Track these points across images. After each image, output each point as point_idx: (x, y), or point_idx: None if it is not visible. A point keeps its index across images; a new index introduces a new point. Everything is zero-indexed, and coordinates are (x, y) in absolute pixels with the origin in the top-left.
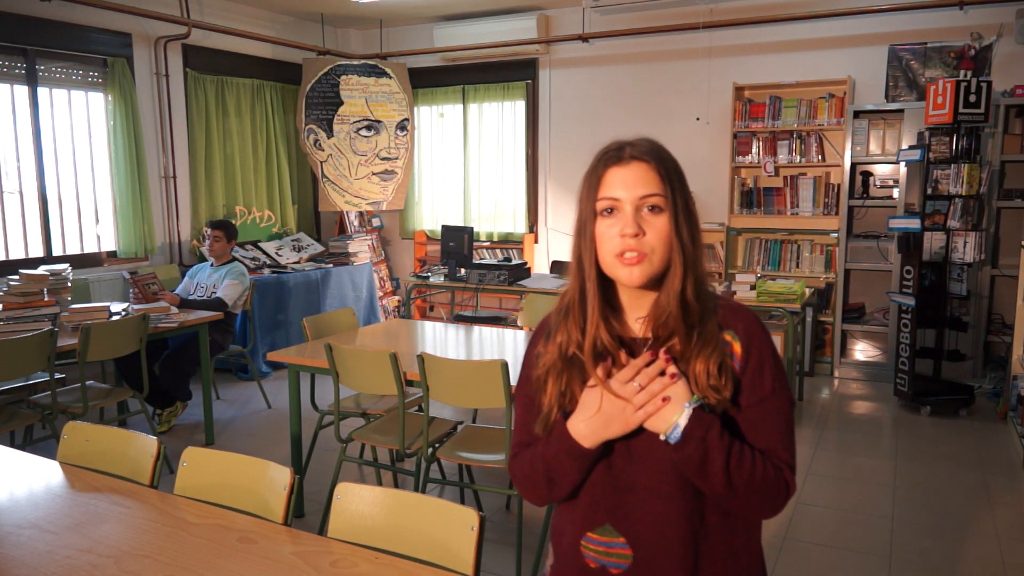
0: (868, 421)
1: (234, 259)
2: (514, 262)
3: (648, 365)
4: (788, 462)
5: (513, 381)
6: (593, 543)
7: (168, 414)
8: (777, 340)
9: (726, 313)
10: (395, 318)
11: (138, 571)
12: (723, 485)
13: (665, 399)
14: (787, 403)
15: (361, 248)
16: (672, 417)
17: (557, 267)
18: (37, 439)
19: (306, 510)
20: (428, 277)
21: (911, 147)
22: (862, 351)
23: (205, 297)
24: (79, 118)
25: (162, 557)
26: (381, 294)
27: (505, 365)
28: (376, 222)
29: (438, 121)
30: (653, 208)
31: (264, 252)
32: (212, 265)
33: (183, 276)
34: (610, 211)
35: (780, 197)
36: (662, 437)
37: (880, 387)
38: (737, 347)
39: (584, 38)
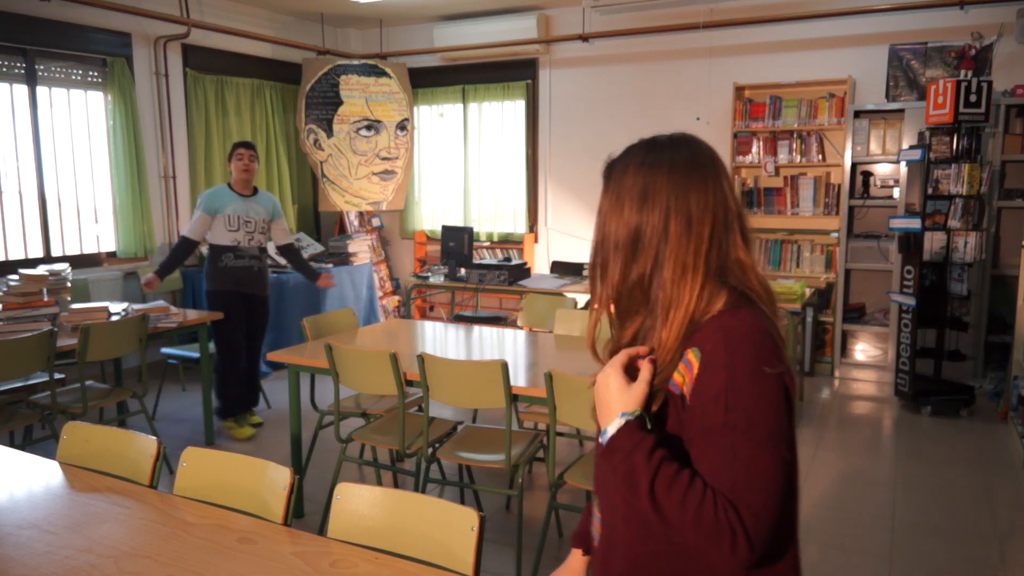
0: (868, 421)
1: (255, 188)
2: (514, 262)
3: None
4: (748, 503)
5: (513, 381)
6: (596, 516)
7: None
8: None
9: (708, 329)
10: (395, 318)
11: (138, 571)
12: (650, 509)
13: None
14: (749, 442)
15: (361, 248)
16: (612, 418)
17: (557, 267)
18: (37, 439)
19: (306, 510)
20: (428, 277)
21: (911, 147)
22: (863, 351)
23: (261, 235)
24: (78, 118)
25: (162, 557)
26: (381, 294)
27: (505, 365)
28: (376, 222)
29: (438, 121)
30: None
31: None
32: (241, 196)
33: (183, 277)
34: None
35: (780, 197)
36: (599, 438)
37: (880, 387)
38: (696, 366)
39: (584, 38)
